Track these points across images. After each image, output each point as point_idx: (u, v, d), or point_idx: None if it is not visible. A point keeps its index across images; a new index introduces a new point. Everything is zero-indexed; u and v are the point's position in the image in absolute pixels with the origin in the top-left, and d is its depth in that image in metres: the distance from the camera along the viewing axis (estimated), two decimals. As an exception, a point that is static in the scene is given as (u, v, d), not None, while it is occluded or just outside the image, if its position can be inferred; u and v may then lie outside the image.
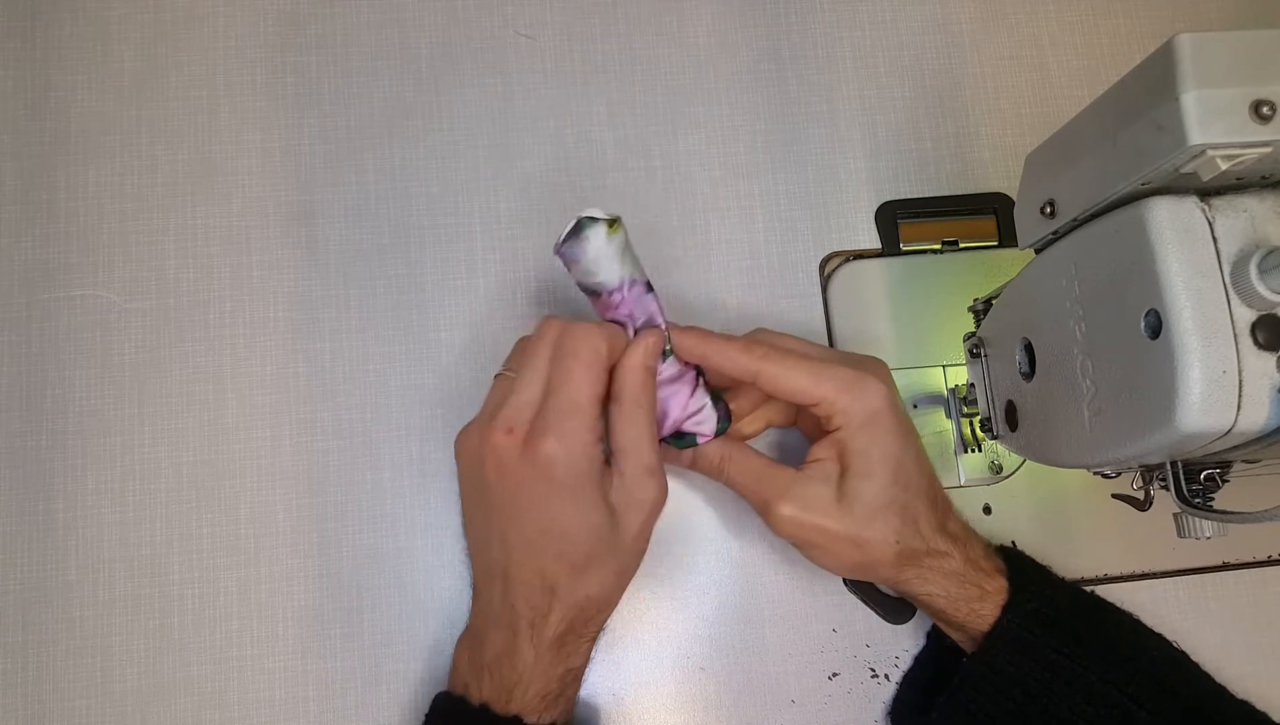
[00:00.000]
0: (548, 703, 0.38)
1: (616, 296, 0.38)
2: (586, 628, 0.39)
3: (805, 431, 0.45)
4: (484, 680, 0.38)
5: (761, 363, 0.39)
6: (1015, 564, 0.42)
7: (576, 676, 0.40)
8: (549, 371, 0.37)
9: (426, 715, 0.39)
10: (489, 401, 0.39)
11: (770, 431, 0.46)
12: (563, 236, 0.37)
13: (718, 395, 0.42)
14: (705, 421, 0.41)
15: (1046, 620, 0.39)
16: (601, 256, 0.37)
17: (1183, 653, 0.41)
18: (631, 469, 0.37)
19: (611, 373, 0.38)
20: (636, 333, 0.39)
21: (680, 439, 0.41)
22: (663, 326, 0.40)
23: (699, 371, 0.41)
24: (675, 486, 0.47)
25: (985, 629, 0.39)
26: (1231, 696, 0.40)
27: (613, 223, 0.37)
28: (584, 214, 0.37)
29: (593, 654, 0.41)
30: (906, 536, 0.39)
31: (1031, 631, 0.39)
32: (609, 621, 0.41)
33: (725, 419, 0.42)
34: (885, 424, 0.39)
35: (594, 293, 0.39)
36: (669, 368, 0.40)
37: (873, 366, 0.40)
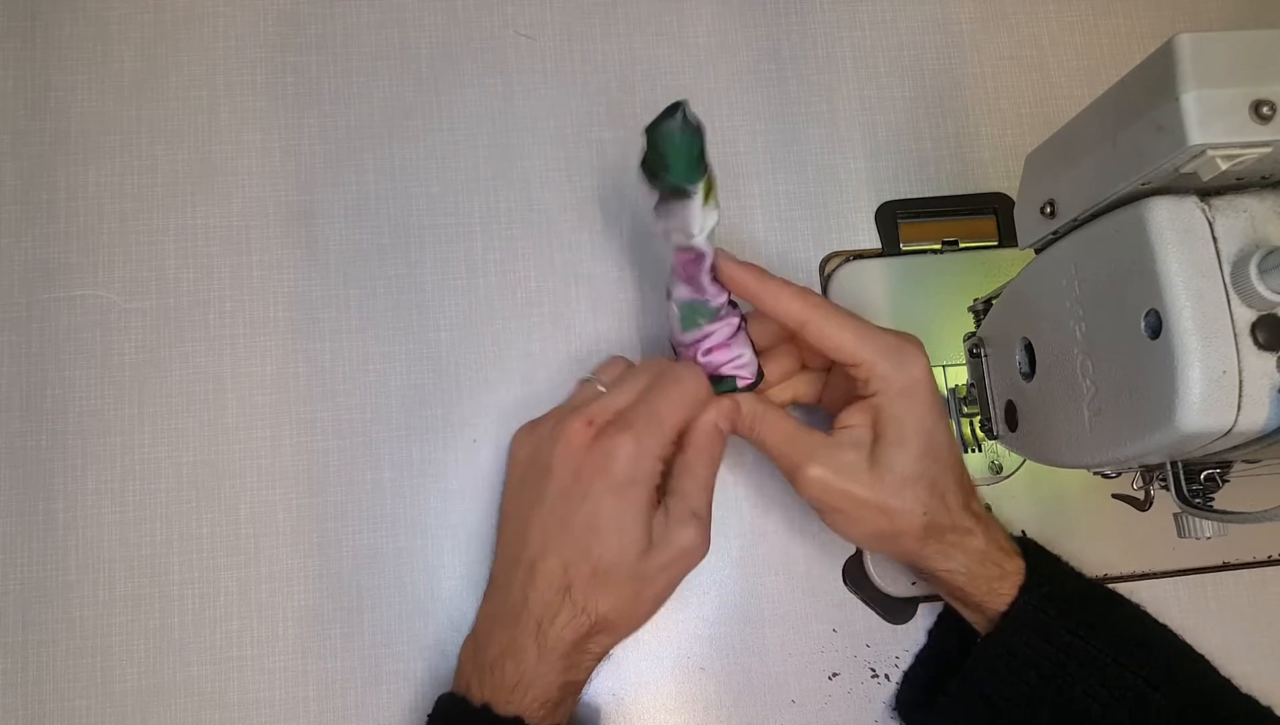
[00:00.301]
0: (547, 709, 0.38)
1: (712, 331, 0.40)
2: (591, 645, 0.38)
3: (830, 408, 0.44)
4: (485, 679, 0.38)
5: (812, 311, 0.39)
6: (1031, 549, 0.42)
7: (576, 690, 0.40)
8: (646, 390, 0.39)
9: (429, 716, 0.39)
10: (570, 401, 0.41)
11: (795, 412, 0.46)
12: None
13: (754, 351, 0.42)
14: (747, 366, 0.41)
15: (1062, 603, 0.39)
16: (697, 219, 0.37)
17: (1189, 645, 0.41)
18: (679, 511, 0.38)
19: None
20: (722, 378, 0.41)
21: (720, 383, 0.41)
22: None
23: (743, 320, 0.41)
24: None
25: (1002, 609, 0.39)
26: (1237, 690, 0.41)
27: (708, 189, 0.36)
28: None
29: (594, 674, 0.41)
30: (934, 509, 0.39)
31: (1047, 613, 0.38)
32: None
33: (760, 375, 0.42)
34: (922, 395, 0.39)
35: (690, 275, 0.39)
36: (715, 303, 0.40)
37: (913, 339, 0.41)
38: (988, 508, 0.48)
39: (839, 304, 0.42)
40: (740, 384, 0.41)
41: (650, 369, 0.41)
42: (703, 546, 0.39)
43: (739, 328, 0.41)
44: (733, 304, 0.41)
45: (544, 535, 0.38)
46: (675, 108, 0.35)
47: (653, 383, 0.40)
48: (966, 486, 0.41)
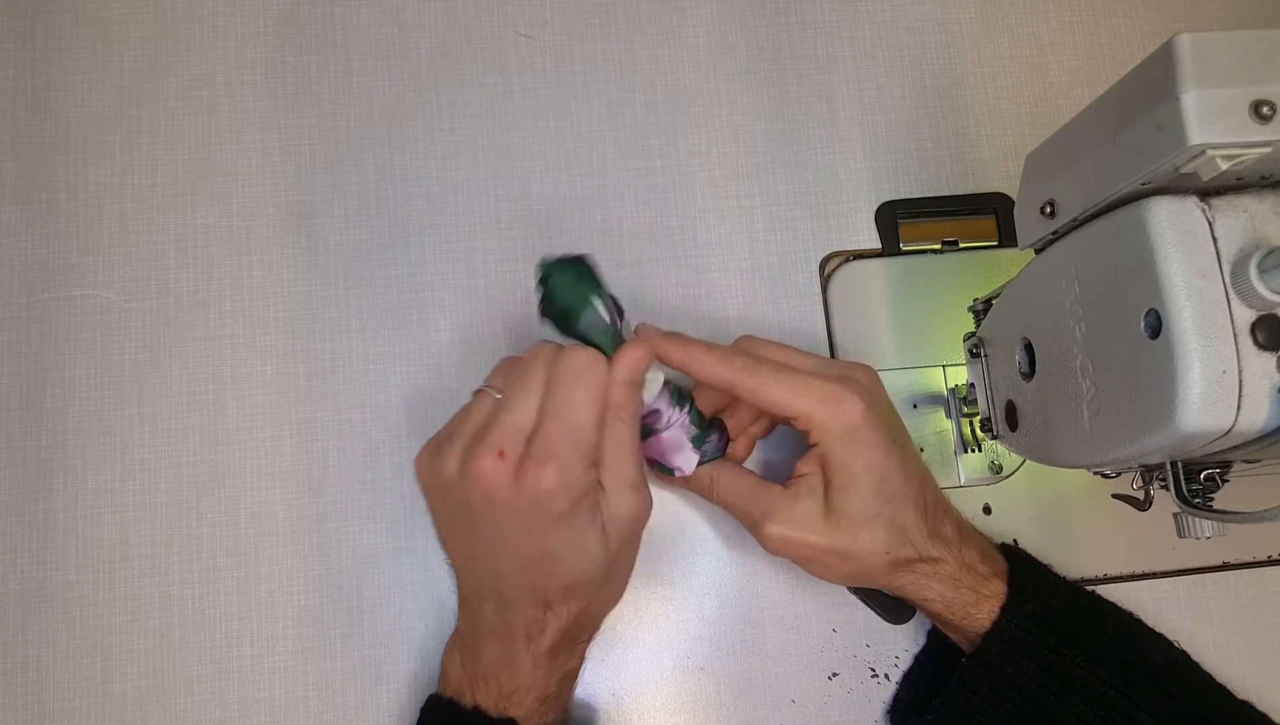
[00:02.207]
0: (546, 705, 0.38)
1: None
2: (581, 634, 0.39)
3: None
4: (479, 687, 0.38)
5: (738, 374, 0.38)
6: (1015, 563, 0.41)
7: (572, 676, 0.40)
8: (545, 394, 0.35)
9: (419, 719, 0.39)
10: (467, 419, 0.37)
11: (757, 448, 0.46)
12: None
13: (714, 423, 0.42)
14: (685, 461, 0.41)
15: (1044, 621, 0.39)
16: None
17: (1183, 652, 0.41)
18: (613, 483, 0.36)
19: None
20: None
21: (660, 466, 0.42)
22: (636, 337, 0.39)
23: (689, 403, 0.41)
24: (676, 489, 0.47)
25: (982, 631, 0.39)
26: (1232, 697, 0.40)
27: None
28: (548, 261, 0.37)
29: (588, 653, 0.41)
30: (896, 546, 0.39)
31: (1029, 632, 0.38)
32: (605, 622, 0.41)
33: (719, 448, 0.42)
34: (863, 437, 0.38)
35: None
36: (657, 400, 0.40)
37: (854, 376, 0.40)
38: (987, 508, 0.48)
39: (774, 343, 0.42)
40: (678, 474, 0.42)
41: (540, 363, 0.36)
42: (645, 509, 0.37)
43: (679, 415, 0.41)
44: (681, 401, 0.41)
45: (499, 571, 0.36)
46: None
47: (552, 384, 0.36)
48: (934, 513, 0.40)
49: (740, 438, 0.44)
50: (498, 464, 0.34)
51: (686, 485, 0.43)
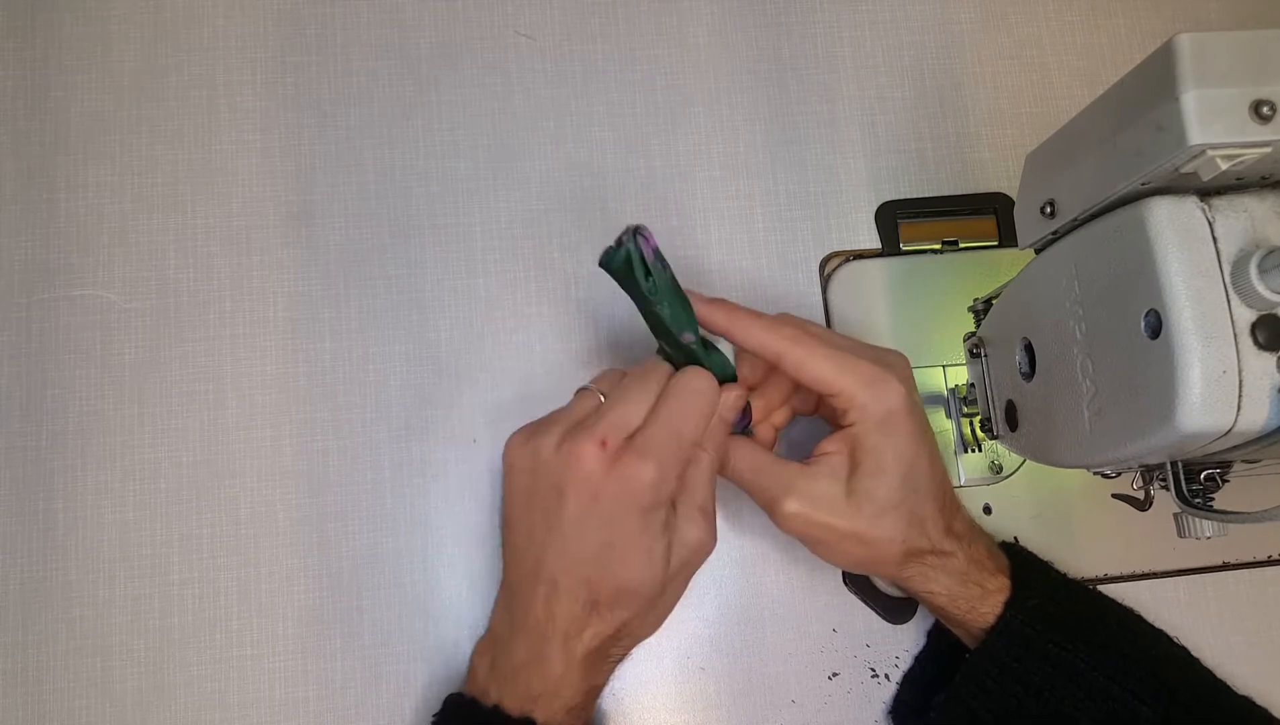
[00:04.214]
0: (573, 715, 0.37)
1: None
2: (614, 650, 0.38)
3: (829, 418, 0.44)
4: (505, 686, 0.37)
5: (787, 343, 0.38)
6: (1018, 560, 0.42)
7: (597, 694, 0.40)
8: (657, 400, 0.37)
9: (436, 716, 0.39)
10: (570, 413, 0.38)
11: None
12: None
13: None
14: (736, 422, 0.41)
15: (1048, 616, 0.39)
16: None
17: (1184, 648, 0.41)
18: (686, 508, 0.37)
19: None
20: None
21: None
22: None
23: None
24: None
25: (986, 626, 0.39)
26: (1232, 692, 0.40)
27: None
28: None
29: (613, 676, 0.41)
30: (912, 537, 0.39)
31: (1033, 627, 0.38)
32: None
33: (740, 427, 0.42)
34: (901, 425, 0.38)
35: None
36: None
37: (895, 362, 0.40)
38: (987, 508, 0.48)
39: (812, 322, 0.41)
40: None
41: (656, 377, 0.38)
42: (711, 541, 0.38)
43: None
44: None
45: (563, 555, 0.37)
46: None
47: (667, 394, 0.37)
48: (949, 508, 0.40)
49: (763, 425, 0.44)
50: (598, 450, 0.36)
51: None
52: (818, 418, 0.45)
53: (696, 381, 0.38)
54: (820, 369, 0.38)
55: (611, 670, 0.40)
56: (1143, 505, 0.45)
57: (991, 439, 0.44)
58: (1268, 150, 0.28)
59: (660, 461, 0.35)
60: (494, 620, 0.40)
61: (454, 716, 0.38)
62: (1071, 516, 0.48)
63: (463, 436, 0.47)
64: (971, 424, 0.48)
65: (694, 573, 0.39)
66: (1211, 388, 0.30)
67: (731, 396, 0.39)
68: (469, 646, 0.42)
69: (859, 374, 0.38)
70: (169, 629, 0.45)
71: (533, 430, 0.38)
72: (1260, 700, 0.41)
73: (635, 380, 0.38)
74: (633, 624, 0.38)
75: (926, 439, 0.39)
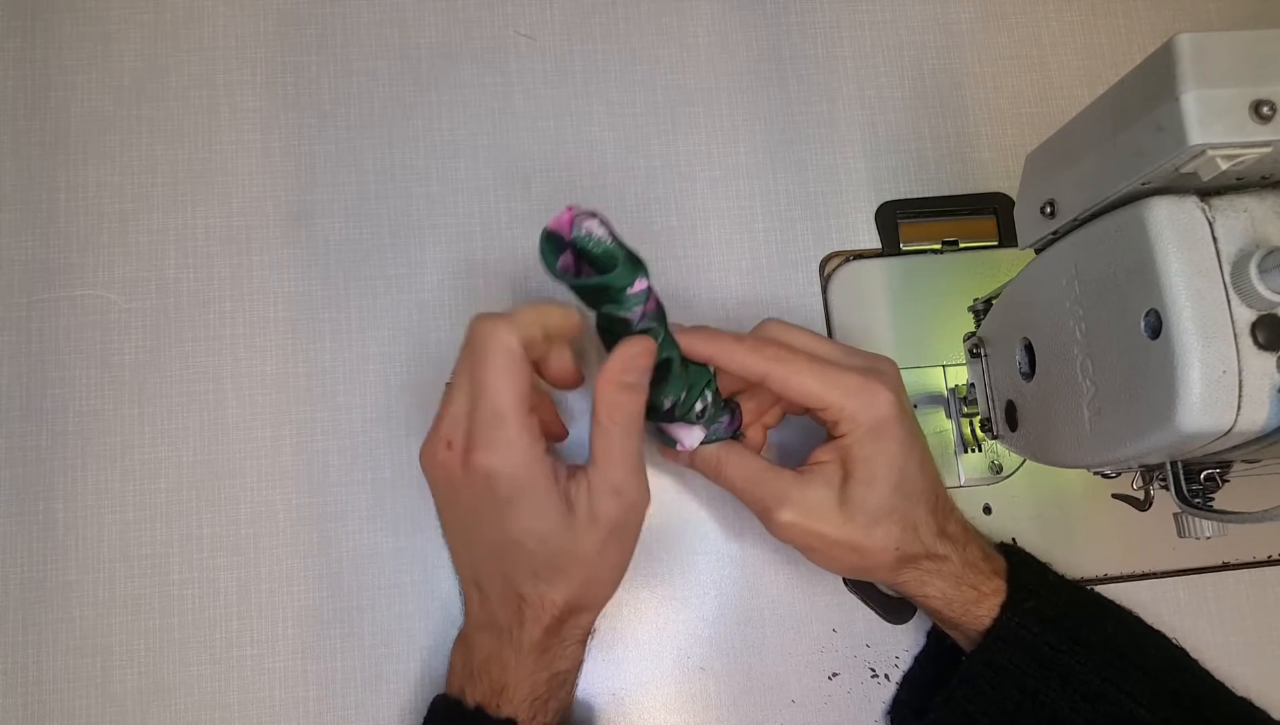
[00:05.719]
0: (537, 707, 0.38)
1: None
2: (565, 632, 0.38)
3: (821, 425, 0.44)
4: (476, 683, 0.38)
5: (770, 364, 0.38)
6: (1015, 562, 0.42)
7: (566, 679, 0.40)
8: (471, 380, 0.35)
9: (425, 718, 0.39)
10: (438, 412, 0.38)
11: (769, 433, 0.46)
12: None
13: (727, 404, 0.42)
14: (689, 436, 0.41)
15: (1045, 618, 0.39)
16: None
17: (1182, 650, 0.41)
18: (596, 483, 0.36)
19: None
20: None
21: (664, 436, 0.41)
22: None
23: (709, 382, 0.41)
24: (675, 487, 0.47)
25: (982, 629, 0.39)
26: (1231, 694, 0.40)
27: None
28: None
29: (584, 656, 0.40)
30: (906, 543, 0.39)
31: (1030, 629, 0.39)
32: (605, 622, 0.41)
33: (729, 430, 0.42)
34: (892, 432, 0.38)
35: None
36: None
37: (883, 368, 0.40)
38: (987, 508, 0.48)
39: (796, 327, 0.41)
40: (679, 448, 0.42)
41: (467, 349, 0.36)
42: (630, 510, 0.37)
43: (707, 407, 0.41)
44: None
45: (471, 557, 0.38)
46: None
47: (471, 366, 0.36)
48: (942, 511, 0.40)
49: (754, 427, 0.44)
50: (446, 454, 0.36)
51: (692, 464, 0.43)
52: (809, 420, 0.45)
53: (481, 343, 0.35)
54: (806, 386, 0.38)
55: (577, 653, 0.39)
56: (1143, 505, 0.45)
57: (991, 439, 0.44)
58: (1268, 150, 0.28)
59: (491, 448, 0.34)
60: (464, 616, 0.41)
61: (440, 718, 0.39)
62: (1071, 516, 0.48)
63: (463, 436, 0.47)
64: (971, 424, 0.48)
65: (631, 538, 0.38)
66: (1211, 388, 0.30)
67: (624, 354, 0.36)
68: (469, 646, 0.42)
69: (846, 386, 0.38)
70: (169, 629, 0.45)
71: (426, 437, 0.38)
72: (1260, 701, 0.41)
73: (460, 361, 0.36)
74: (573, 602, 0.37)
75: (917, 444, 0.40)
